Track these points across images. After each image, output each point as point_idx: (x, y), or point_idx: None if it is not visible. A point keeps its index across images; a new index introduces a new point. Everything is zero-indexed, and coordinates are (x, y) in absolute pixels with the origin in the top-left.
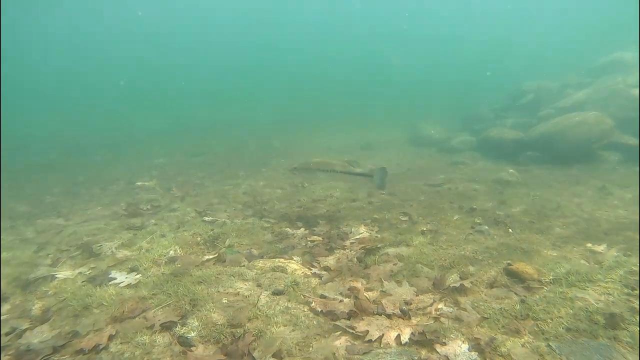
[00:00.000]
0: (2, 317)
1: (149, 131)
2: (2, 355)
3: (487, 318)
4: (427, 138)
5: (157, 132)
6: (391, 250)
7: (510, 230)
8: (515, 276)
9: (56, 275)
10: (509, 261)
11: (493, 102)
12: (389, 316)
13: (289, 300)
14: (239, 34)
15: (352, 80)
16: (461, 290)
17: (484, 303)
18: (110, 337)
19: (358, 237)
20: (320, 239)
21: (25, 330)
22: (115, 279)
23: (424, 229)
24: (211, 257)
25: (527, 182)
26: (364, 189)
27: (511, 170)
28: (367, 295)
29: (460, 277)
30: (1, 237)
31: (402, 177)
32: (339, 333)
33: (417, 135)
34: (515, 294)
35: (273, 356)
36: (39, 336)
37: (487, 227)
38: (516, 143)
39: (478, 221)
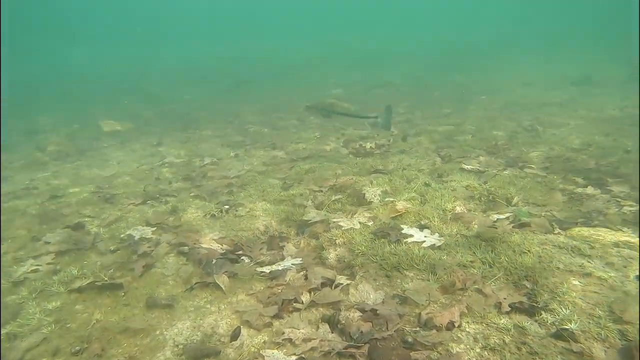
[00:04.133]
0: (289, 263)
1: (308, 57)
2: None
3: None
4: None
5: (317, 59)
6: None
7: None
8: None
9: (339, 223)
10: None
11: None
12: None
13: None
14: None
15: None
16: None
17: None
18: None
19: None
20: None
21: (347, 286)
22: (411, 235)
23: None
24: (502, 217)
25: None
26: None
27: None
28: None
29: None
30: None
31: None
32: None
33: None
34: None
35: None
36: (368, 296)
37: None
38: None
39: None
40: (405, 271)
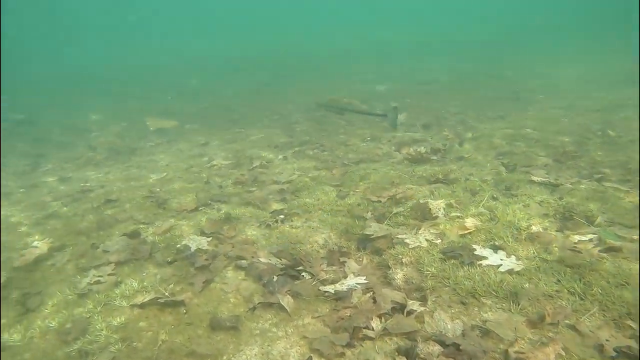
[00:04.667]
0: (353, 282)
1: (345, 49)
2: None
3: None
4: None
5: (352, 51)
6: None
7: None
8: None
9: (405, 240)
10: None
11: None
12: None
13: None
14: None
15: None
16: None
17: None
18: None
19: None
20: None
21: (421, 313)
22: (485, 257)
23: None
24: (584, 238)
25: None
26: None
27: None
28: None
29: None
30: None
31: None
32: None
33: None
34: None
35: None
36: (445, 326)
37: None
38: None
39: None
40: (482, 298)
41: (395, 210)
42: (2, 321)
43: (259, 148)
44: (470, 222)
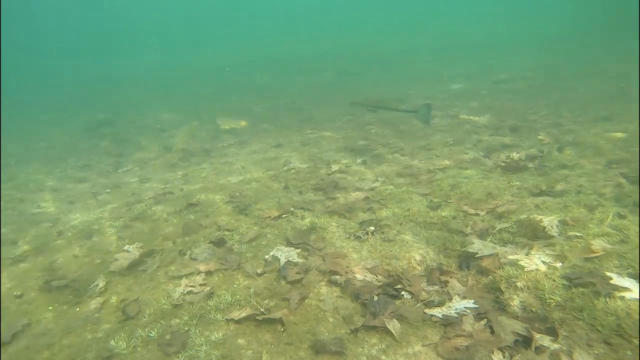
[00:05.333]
0: (461, 306)
1: (411, 48)
2: None
3: None
4: None
5: (422, 48)
6: None
7: None
8: None
9: (518, 262)
10: None
11: None
12: None
13: None
14: None
15: None
16: None
17: None
18: None
19: None
20: None
21: (556, 352)
22: (627, 289)
23: None
24: None
25: None
26: None
27: None
28: None
29: None
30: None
31: None
32: None
33: None
34: None
35: None
36: None
37: None
38: None
39: None
40: (634, 340)
41: (499, 226)
42: (106, 326)
43: (335, 151)
44: (597, 244)
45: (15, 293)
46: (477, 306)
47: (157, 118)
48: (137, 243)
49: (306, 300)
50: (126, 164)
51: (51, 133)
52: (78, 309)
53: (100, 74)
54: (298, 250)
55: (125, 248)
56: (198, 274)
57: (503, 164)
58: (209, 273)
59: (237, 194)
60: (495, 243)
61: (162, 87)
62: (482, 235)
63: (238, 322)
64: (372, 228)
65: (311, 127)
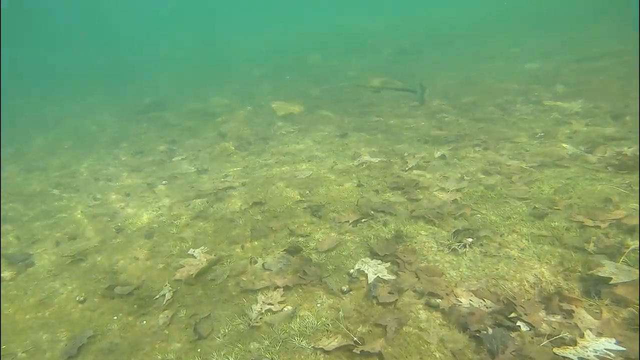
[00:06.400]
0: (601, 347)
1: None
2: None
3: None
4: None
5: (487, 22)
6: None
7: None
8: None
9: None
10: None
11: None
12: None
13: None
14: None
15: None
16: None
17: None
18: None
19: None
20: None
21: None
22: None
23: None
24: None
25: None
26: None
27: None
28: None
29: None
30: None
31: None
32: None
33: None
34: None
35: None
36: None
37: None
38: None
39: None
40: None
41: (632, 244)
42: (176, 345)
43: (407, 142)
44: None
45: (77, 297)
46: (622, 348)
47: (207, 102)
48: (202, 247)
49: (404, 328)
50: (180, 152)
51: (101, 116)
52: (144, 322)
53: (141, 57)
54: (387, 265)
55: (189, 252)
56: (275, 288)
57: (616, 162)
58: (287, 288)
59: (307, 191)
60: (630, 266)
61: (207, 69)
62: (612, 254)
63: (328, 352)
64: (470, 240)
65: (375, 114)
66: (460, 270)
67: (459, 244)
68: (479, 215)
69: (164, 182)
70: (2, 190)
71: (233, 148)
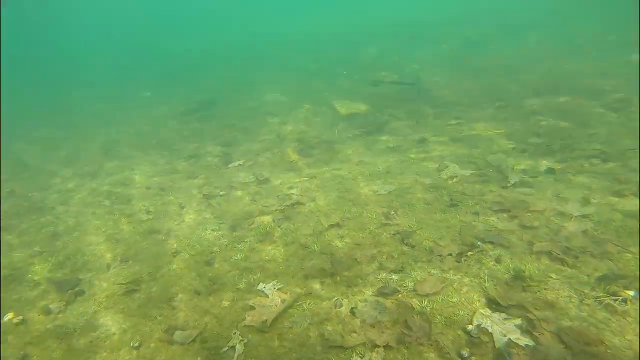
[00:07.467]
0: None
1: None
2: None
3: None
4: None
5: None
6: None
7: None
8: None
9: None
10: None
11: None
12: None
13: None
14: None
15: None
16: None
17: None
18: None
19: None
20: None
21: None
22: None
23: None
24: None
25: None
26: None
27: None
28: None
29: None
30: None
31: None
32: None
33: None
34: None
35: None
36: None
37: None
38: None
39: None
40: None
41: None
42: None
43: (501, 150)
44: None
45: (132, 343)
46: None
47: (261, 99)
48: (273, 281)
49: None
50: (236, 156)
51: (154, 114)
52: None
53: (190, 50)
54: (516, 321)
55: (259, 287)
56: (373, 348)
57: None
58: (388, 348)
59: (392, 212)
60: None
61: (258, 63)
62: None
63: None
64: (632, 293)
65: (454, 116)
66: (626, 337)
67: (614, 297)
68: (629, 255)
69: (221, 193)
70: (49, 199)
71: (295, 153)
